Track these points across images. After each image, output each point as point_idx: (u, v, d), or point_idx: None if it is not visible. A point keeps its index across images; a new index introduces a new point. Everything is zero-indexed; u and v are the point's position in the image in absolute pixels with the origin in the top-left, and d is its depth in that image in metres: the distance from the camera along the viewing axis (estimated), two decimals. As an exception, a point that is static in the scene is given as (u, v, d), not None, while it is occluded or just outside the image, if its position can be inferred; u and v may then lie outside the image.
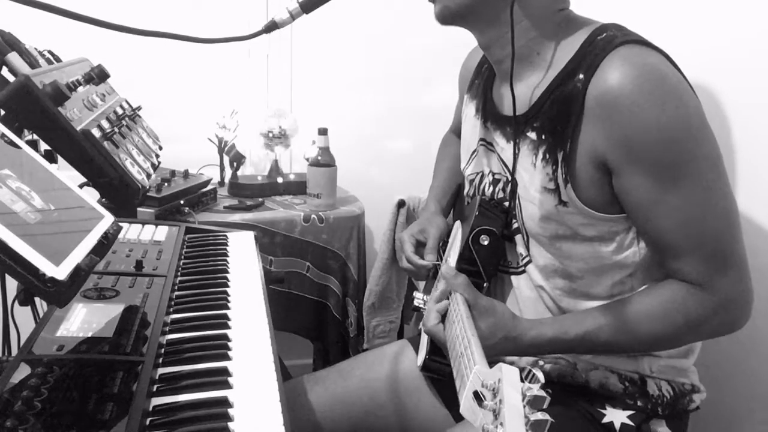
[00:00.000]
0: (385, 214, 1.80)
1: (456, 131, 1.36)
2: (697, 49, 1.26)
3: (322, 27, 2.04)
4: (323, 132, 1.85)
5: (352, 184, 2.06)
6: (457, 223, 1.11)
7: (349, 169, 1.99)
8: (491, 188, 1.06)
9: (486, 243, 1.01)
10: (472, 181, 1.13)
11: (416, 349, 1.19)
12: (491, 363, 0.65)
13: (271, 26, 0.88)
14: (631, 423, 0.98)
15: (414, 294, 1.21)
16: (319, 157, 1.86)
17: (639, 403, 0.99)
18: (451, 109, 1.45)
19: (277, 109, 2.02)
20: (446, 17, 0.97)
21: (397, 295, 1.87)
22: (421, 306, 1.18)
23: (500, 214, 1.02)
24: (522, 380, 0.57)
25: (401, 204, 1.78)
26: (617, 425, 0.98)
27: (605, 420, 0.98)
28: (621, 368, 1.00)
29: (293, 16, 0.88)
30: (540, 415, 0.52)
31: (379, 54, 2.17)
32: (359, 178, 2.10)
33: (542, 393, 0.54)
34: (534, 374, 0.57)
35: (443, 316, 0.92)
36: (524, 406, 0.54)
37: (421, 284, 1.34)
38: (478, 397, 0.60)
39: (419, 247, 1.24)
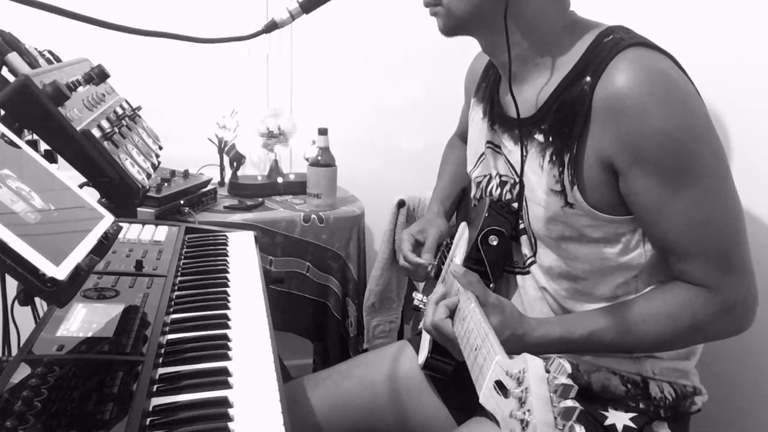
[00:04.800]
0: (385, 214, 1.80)
1: (461, 135, 1.36)
2: (698, 50, 1.26)
3: (322, 27, 2.04)
4: (323, 132, 1.85)
5: (352, 184, 2.06)
6: (463, 224, 1.11)
7: (349, 169, 1.99)
8: (498, 190, 1.07)
9: (495, 243, 1.01)
10: (479, 184, 1.13)
11: (416, 349, 1.18)
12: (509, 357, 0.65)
13: (271, 26, 0.88)
14: (634, 425, 0.97)
15: (414, 294, 1.21)
16: (319, 157, 1.85)
17: (641, 406, 0.99)
18: (452, 109, 1.45)
19: (275, 109, 2.02)
20: (449, 30, 0.99)
21: (397, 295, 1.87)
22: (421, 306, 1.18)
23: (509, 216, 1.03)
24: (547, 370, 0.57)
25: (401, 204, 1.78)
26: (619, 427, 0.97)
27: (607, 422, 0.98)
28: (623, 370, 1.00)
29: (293, 16, 0.88)
30: (570, 403, 0.52)
31: (379, 54, 2.17)
32: (359, 178, 2.10)
33: (570, 382, 0.54)
34: (561, 364, 0.56)
35: (451, 313, 0.92)
36: (551, 395, 0.53)
37: (421, 284, 1.34)
38: (500, 386, 0.60)
39: (418, 246, 1.24)
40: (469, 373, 0.75)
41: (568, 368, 0.56)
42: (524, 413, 0.53)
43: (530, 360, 0.57)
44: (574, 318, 0.95)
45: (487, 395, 0.63)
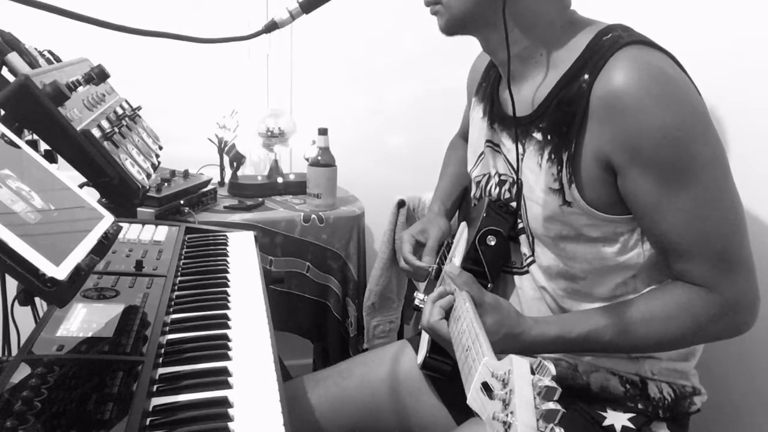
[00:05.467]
0: (385, 214, 1.79)
1: (463, 135, 1.36)
2: (698, 50, 1.26)
3: (322, 27, 2.04)
4: (323, 132, 1.85)
5: (352, 184, 2.06)
6: (463, 224, 1.11)
7: (349, 169, 1.99)
8: (497, 189, 1.07)
9: (493, 243, 1.01)
10: (478, 183, 1.13)
11: (416, 349, 1.19)
12: (498, 358, 0.65)
13: (271, 26, 0.88)
14: (632, 426, 0.97)
15: (415, 294, 1.21)
16: (319, 157, 1.85)
17: (640, 406, 0.99)
18: (453, 109, 1.45)
19: (274, 109, 2.02)
20: (449, 29, 0.99)
21: (397, 295, 1.87)
22: (422, 306, 1.18)
23: (508, 216, 1.03)
24: (533, 372, 0.57)
25: (401, 204, 1.77)
26: (618, 428, 0.97)
27: (606, 423, 0.98)
28: (622, 370, 1.00)
29: (293, 16, 0.88)
30: (552, 405, 0.52)
31: (379, 54, 2.17)
32: (359, 178, 2.10)
33: (553, 384, 0.54)
34: (546, 366, 0.57)
35: (447, 313, 0.92)
36: (535, 397, 0.53)
37: (422, 284, 1.34)
38: (486, 388, 0.60)
39: (419, 247, 1.24)
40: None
41: (553, 370, 0.56)
42: (507, 415, 0.53)
43: (516, 361, 0.57)
44: (572, 317, 0.95)
45: (474, 396, 0.63)
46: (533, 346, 0.92)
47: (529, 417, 0.52)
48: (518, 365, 0.57)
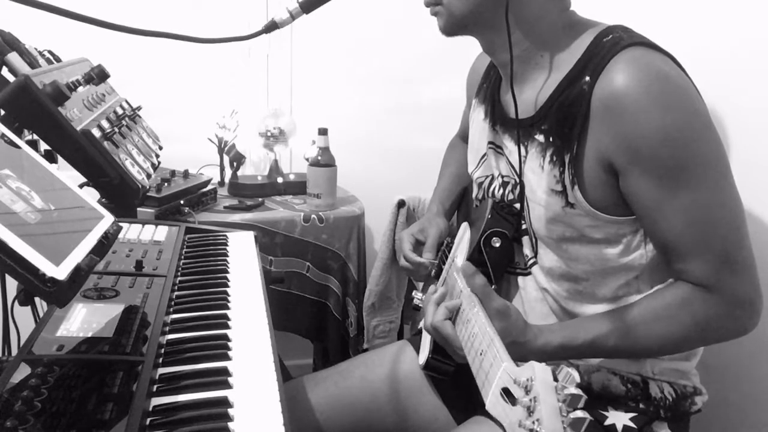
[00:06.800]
0: (385, 214, 1.80)
1: (463, 136, 1.36)
2: (698, 50, 1.26)
3: (322, 27, 2.04)
4: (323, 132, 1.85)
5: (352, 184, 2.06)
6: (465, 224, 1.11)
7: (349, 169, 1.99)
8: (501, 191, 1.06)
9: (497, 245, 1.01)
10: (480, 184, 1.13)
11: (417, 349, 1.18)
12: (516, 364, 0.65)
13: (271, 26, 0.88)
14: (634, 425, 0.97)
15: (414, 294, 1.21)
16: (319, 157, 1.86)
17: (641, 406, 0.99)
18: (451, 108, 1.45)
19: (275, 109, 2.02)
20: (449, 30, 0.99)
21: (397, 295, 1.87)
22: (421, 306, 1.18)
23: (511, 217, 1.03)
24: (555, 379, 0.56)
25: (401, 204, 1.78)
26: (619, 427, 0.97)
27: (607, 422, 0.98)
28: (623, 370, 0.99)
29: (293, 16, 0.89)
30: (580, 413, 0.52)
31: (379, 54, 2.17)
32: (359, 178, 2.10)
33: (579, 392, 0.53)
34: (569, 374, 0.56)
35: (452, 315, 0.92)
36: (560, 405, 0.53)
37: (422, 284, 1.34)
38: (507, 394, 0.60)
39: (418, 245, 1.24)
40: (472, 375, 0.75)
41: (577, 378, 0.56)
42: (533, 422, 0.53)
43: (538, 368, 0.57)
44: (576, 324, 0.94)
45: (493, 402, 0.62)
46: (538, 355, 0.90)
47: (557, 425, 0.52)
48: (540, 372, 0.56)
